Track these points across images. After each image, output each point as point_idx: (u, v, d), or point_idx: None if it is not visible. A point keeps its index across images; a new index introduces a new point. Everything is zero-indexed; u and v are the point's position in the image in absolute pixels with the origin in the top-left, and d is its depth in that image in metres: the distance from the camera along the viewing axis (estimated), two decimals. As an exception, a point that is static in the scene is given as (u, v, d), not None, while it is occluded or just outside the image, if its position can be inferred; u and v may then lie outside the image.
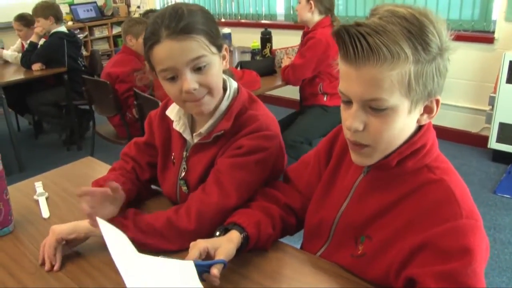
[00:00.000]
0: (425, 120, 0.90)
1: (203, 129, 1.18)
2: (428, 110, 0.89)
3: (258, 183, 1.17)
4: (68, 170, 1.61)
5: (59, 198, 1.40)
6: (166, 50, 1.05)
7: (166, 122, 1.28)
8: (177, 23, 1.03)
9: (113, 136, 3.31)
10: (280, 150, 1.20)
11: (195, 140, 1.21)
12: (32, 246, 1.15)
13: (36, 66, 3.93)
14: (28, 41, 4.02)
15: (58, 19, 4.04)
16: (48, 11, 3.96)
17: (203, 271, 0.93)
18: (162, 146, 1.31)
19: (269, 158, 1.15)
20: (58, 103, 4.13)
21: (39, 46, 3.98)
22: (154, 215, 1.12)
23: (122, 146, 1.53)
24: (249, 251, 1.06)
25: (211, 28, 1.09)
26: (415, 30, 0.80)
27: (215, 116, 1.17)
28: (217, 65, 1.11)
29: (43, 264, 1.06)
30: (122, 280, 0.82)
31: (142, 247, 1.03)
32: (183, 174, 1.25)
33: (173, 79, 1.08)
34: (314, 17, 2.91)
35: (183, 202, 1.16)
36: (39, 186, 1.45)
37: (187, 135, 1.23)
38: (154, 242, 1.06)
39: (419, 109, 0.87)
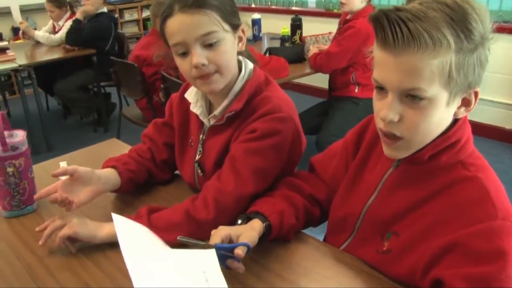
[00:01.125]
0: (462, 113, 0.85)
1: (217, 111, 1.17)
2: (466, 103, 0.84)
3: (274, 168, 1.14)
4: (92, 151, 1.63)
5: (82, 178, 1.40)
6: (177, 24, 1.05)
7: (185, 104, 1.27)
8: None
9: (140, 119, 3.33)
10: (296, 134, 1.16)
11: (211, 123, 1.20)
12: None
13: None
14: (74, 18, 4.03)
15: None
16: None
17: (226, 256, 0.91)
18: (180, 129, 1.30)
19: (284, 142, 1.12)
20: (85, 85, 4.17)
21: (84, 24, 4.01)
22: (170, 210, 1.10)
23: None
24: (271, 241, 1.04)
25: (225, 5, 1.07)
26: (458, 17, 0.75)
27: (229, 97, 1.16)
28: (229, 43, 1.09)
29: (43, 244, 1.05)
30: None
31: None
32: (198, 157, 1.25)
33: (185, 54, 1.07)
34: (361, 5, 2.79)
35: (201, 187, 1.15)
36: (63, 166, 1.46)
37: (203, 118, 1.22)
38: (174, 237, 1.01)
39: (457, 101, 0.83)
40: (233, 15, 1.10)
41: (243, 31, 1.15)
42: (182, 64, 1.09)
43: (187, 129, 1.30)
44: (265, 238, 1.01)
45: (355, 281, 0.94)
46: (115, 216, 0.98)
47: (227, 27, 1.08)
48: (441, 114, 0.82)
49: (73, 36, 3.97)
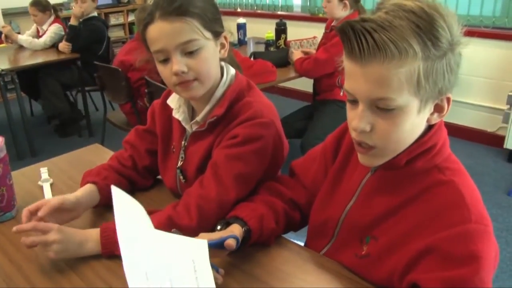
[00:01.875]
0: (435, 119, 0.86)
1: (199, 117, 1.18)
2: (438, 109, 0.85)
3: (256, 174, 1.14)
4: (74, 156, 1.61)
5: (63, 184, 1.39)
6: (157, 31, 1.05)
7: (168, 110, 1.27)
8: (171, 4, 1.03)
9: (124, 124, 3.31)
10: (278, 139, 1.17)
11: (193, 129, 1.20)
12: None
13: (64, 46, 3.95)
14: (69, 24, 4.00)
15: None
16: None
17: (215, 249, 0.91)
18: (162, 135, 1.30)
19: (266, 147, 1.13)
20: (70, 86, 4.14)
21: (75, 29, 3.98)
22: (152, 217, 1.07)
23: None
24: (252, 246, 1.04)
25: (207, 13, 1.07)
26: (424, 24, 0.75)
27: (211, 103, 1.17)
28: (210, 51, 1.09)
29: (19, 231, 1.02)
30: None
31: None
32: (180, 163, 1.24)
33: (165, 61, 1.08)
34: (345, 13, 2.81)
35: (183, 193, 1.14)
36: (44, 172, 1.44)
37: (185, 124, 1.21)
38: None
39: (429, 108, 0.83)
40: (215, 22, 1.10)
41: (225, 38, 1.15)
42: (163, 71, 1.09)
43: (170, 135, 1.30)
44: (245, 242, 1.01)
45: (336, 286, 0.95)
46: (114, 188, 0.92)
47: (208, 34, 1.08)
48: (413, 122, 0.82)
49: (74, 42, 3.96)
